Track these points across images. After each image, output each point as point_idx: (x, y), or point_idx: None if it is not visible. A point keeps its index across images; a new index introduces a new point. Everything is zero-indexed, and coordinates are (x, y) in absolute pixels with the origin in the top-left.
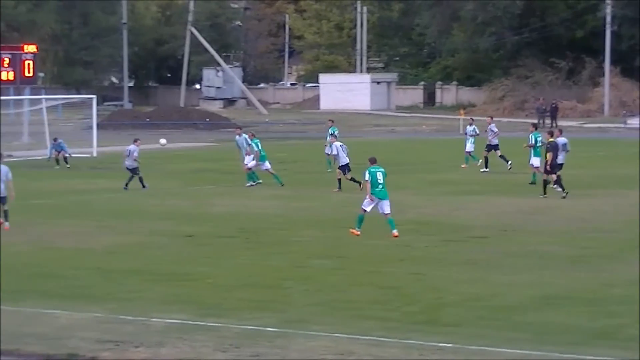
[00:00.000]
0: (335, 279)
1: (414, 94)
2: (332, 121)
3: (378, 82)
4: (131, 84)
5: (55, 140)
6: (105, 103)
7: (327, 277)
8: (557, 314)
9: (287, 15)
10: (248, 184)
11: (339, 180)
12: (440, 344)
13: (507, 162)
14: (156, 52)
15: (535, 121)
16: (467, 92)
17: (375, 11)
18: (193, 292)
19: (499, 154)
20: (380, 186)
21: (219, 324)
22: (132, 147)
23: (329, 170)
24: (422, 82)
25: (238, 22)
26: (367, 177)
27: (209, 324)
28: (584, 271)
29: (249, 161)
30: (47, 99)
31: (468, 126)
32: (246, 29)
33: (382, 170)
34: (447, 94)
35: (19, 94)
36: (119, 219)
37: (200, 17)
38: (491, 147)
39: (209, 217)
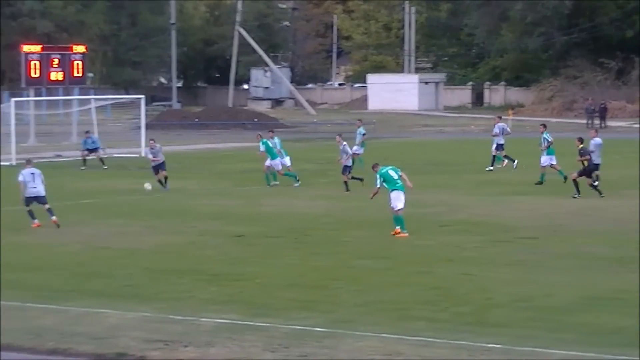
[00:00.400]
0: (383, 279)
1: (462, 94)
2: (361, 120)
3: (426, 83)
4: (180, 84)
5: (87, 133)
6: (154, 103)
7: (376, 278)
8: (606, 315)
9: (335, 16)
10: (271, 184)
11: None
12: (489, 345)
13: (513, 161)
14: (205, 52)
15: (544, 121)
16: (515, 93)
17: (423, 11)
18: (242, 292)
19: (503, 154)
20: (397, 181)
21: (268, 324)
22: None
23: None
24: (471, 83)
25: (286, 23)
26: (378, 183)
27: (258, 323)
28: (632, 272)
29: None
30: (96, 99)
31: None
32: (294, 29)
33: (392, 167)
34: (496, 94)
35: (68, 94)
36: (168, 219)
37: (248, 17)
38: (499, 147)
39: (258, 217)
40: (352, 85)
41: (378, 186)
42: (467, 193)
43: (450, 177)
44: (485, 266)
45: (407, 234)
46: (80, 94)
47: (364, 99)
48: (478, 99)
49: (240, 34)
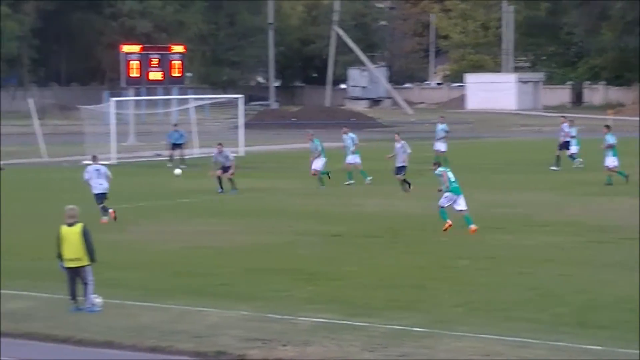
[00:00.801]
0: (482, 279)
1: (562, 94)
2: (443, 117)
3: (525, 82)
4: (277, 84)
5: (175, 125)
6: (252, 103)
7: (475, 278)
8: None
9: (432, 15)
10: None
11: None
12: (589, 347)
13: (575, 160)
14: (302, 52)
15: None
16: (615, 92)
17: (521, 10)
18: (340, 291)
19: (569, 153)
20: (454, 183)
21: (366, 324)
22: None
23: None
24: (570, 82)
25: (383, 22)
26: (444, 175)
27: (356, 323)
28: None
29: (351, 159)
30: (194, 99)
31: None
32: (392, 29)
33: (449, 169)
34: (595, 93)
35: (167, 94)
36: (266, 219)
37: (345, 16)
38: (562, 146)
39: (356, 216)
40: (449, 85)
41: (444, 179)
42: (566, 193)
43: (548, 176)
44: (585, 267)
45: (450, 223)
46: (179, 94)
47: (462, 98)
48: (578, 98)
49: (337, 33)
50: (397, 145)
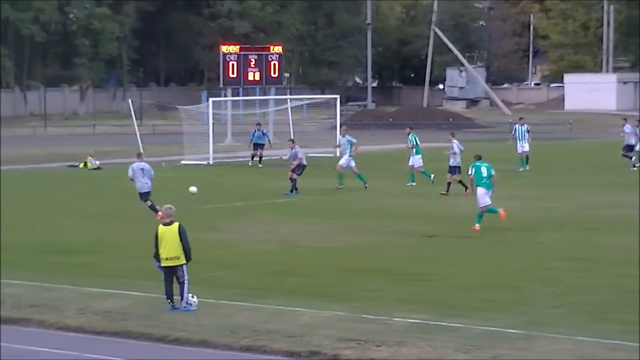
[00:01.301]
0: (580, 281)
1: None
2: (523, 118)
3: (625, 82)
4: (375, 84)
5: (258, 125)
6: (349, 103)
7: (572, 279)
8: None
9: (531, 15)
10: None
11: (449, 183)
12: None
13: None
14: (400, 52)
15: None
16: None
17: (622, 9)
18: (435, 292)
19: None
20: (485, 179)
21: (461, 325)
22: (139, 164)
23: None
24: None
25: (482, 22)
26: (470, 171)
27: (450, 324)
28: None
29: (345, 161)
30: (292, 99)
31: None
32: (490, 29)
33: (487, 165)
34: None
35: (265, 94)
36: (362, 218)
37: (444, 17)
38: (629, 148)
39: (451, 217)
40: (548, 85)
41: (469, 174)
42: None
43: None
44: None
45: (478, 227)
46: (276, 94)
47: (561, 99)
48: None
49: (435, 33)
50: (454, 144)
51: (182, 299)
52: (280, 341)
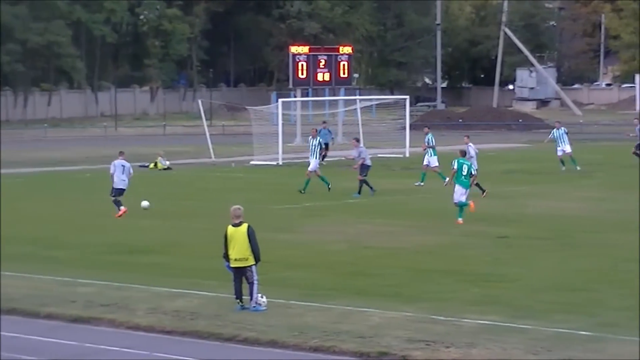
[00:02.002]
0: None
1: None
2: (559, 122)
3: None
4: (444, 85)
5: (324, 122)
6: (418, 104)
7: None
8: None
9: (603, 15)
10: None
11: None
12: None
13: None
14: (470, 52)
15: None
16: None
17: None
18: (506, 293)
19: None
20: (464, 177)
21: (531, 326)
22: (120, 161)
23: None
24: None
25: (552, 22)
26: (455, 165)
27: (520, 326)
28: None
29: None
30: (361, 100)
31: None
32: (561, 29)
33: (468, 163)
34: None
35: (334, 95)
36: (431, 219)
37: (514, 17)
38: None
39: (522, 218)
40: (619, 86)
41: (454, 167)
42: None
43: None
44: None
45: (461, 221)
46: (345, 95)
47: (632, 99)
48: None
49: (505, 34)
50: (470, 147)
51: (251, 299)
52: (349, 342)
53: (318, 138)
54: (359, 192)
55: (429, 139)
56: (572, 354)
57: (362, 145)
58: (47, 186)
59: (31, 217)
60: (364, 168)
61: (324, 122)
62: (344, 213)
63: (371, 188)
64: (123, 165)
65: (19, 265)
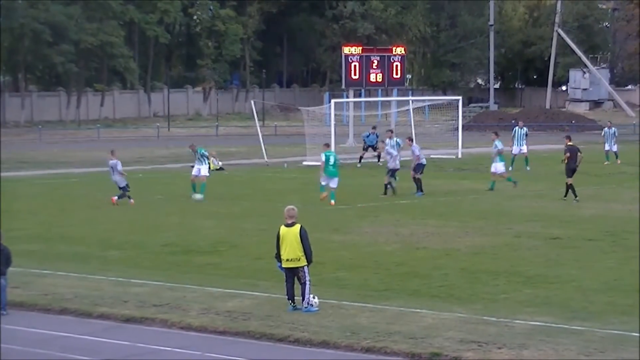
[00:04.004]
0: None
1: None
2: (610, 122)
3: None
4: (497, 86)
5: (374, 128)
6: (471, 105)
7: None
8: None
9: None
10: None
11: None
12: None
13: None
14: (523, 53)
15: None
16: None
17: None
18: (558, 294)
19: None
20: (331, 167)
21: (584, 328)
22: (112, 161)
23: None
24: None
25: (606, 23)
26: (323, 158)
27: (573, 327)
28: None
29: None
30: (414, 101)
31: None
32: (614, 30)
33: (334, 154)
34: None
35: (387, 96)
36: (485, 220)
37: (567, 18)
38: None
39: (576, 219)
40: None
41: (323, 160)
42: None
43: None
44: None
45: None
46: (398, 95)
47: None
48: None
49: (559, 35)
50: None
51: (303, 299)
52: (401, 342)
53: (395, 139)
54: (421, 190)
55: (498, 145)
56: (625, 356)
57: (415, 144)
58: (100, 186)
59: (85, 217)
60: (419, 167)
61: (374, 128)
62: (397, 214)
63: (421, 190)
64: (112, 167)
65: (73, 265)
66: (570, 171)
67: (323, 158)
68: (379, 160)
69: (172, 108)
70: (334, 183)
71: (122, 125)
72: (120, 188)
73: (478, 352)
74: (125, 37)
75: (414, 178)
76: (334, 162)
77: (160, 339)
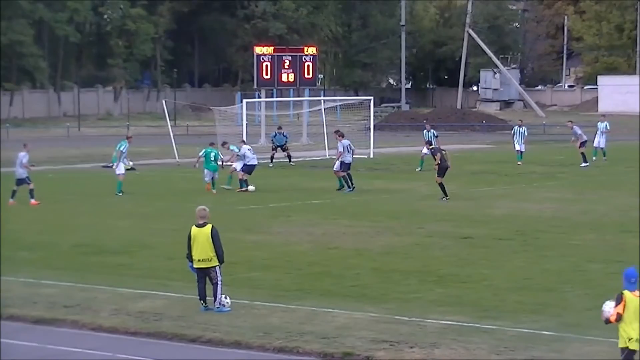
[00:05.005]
0: (614, 283)
1: None
2: (521, 120)
3: None
4: (409, 86)
5: (279, 128)
6: (383, 105)
7: (607, 282)
8: None
9: (566, 17)
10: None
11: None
12: None
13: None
14: (434, 53)
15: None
16: None
17: None
18: (470, 293)
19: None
20: (212, 162)
21: (495, 327)
22: (21, 153)
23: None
24: None
25: (516, 24)
26: (201, 153)
27: (484, 326)
28: None
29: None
30: (325, 101)
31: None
32: (524, 31)
33: (215, 151)
34: None
35: (298, 96)
36: (397, 220)
37: (478, 19)
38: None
39: (487, 219)
40: (582, 87)
41: (200, 154)
42: None
43: None
44: None
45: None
46: (310, 95)
47: (595, 101)
48: None
49: (470, 35)
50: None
51: (215, 299)
52: (313, 342)
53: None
54: (349, 186)
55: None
56: (535, 354)
57: (345, 138)
58: (8, 187)
59: None
60: (344, 165)
61: (280, 128)
62: (310, 213)
63: (349, 186)
64: (22, 157)
65: None
66: (443, 170)
67: (203, 154)
68: (290, 161)
69: (82, 108)
70: (211, 175)
71: (31, 124)
72: (18, 181)
73: (390, 351)
74: (35, 36)
75: (337, 175)
76: (214, 157)
77: (71, 340)
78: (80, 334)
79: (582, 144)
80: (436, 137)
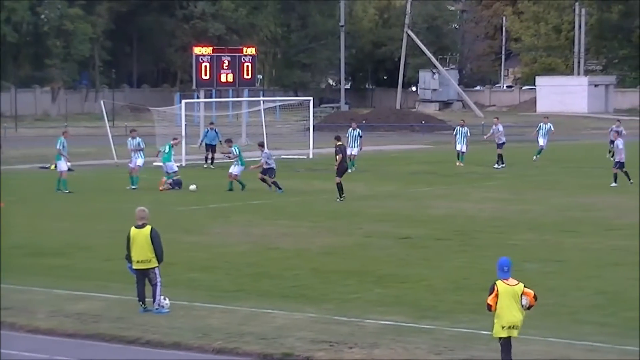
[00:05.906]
0: (552, 283)
1: (634, 97)
2: (463, 121)
3: (596, 85)
4: (348, 86)
5: (211, 124)
6: (322, 105)
7: (544, 281)
8: None
9: (504, 18)
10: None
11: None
12: None
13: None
14: (373, 54)
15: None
16: None
17: (594, 13)
18: (409, 293)
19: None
20: (167, 155)
21: (434, 326)
22: None
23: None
24: None
25: (455, 25)
26: (165, 149)
27: (423, 326)
28: None
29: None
30: (265, 101)
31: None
32: (463, 32)
33: (169, 145)
34: None
35: (238, 96)
36: (336, 220)
37: (417, 19)
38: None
39: (426, 219)
40: (520, 88)
41: (160, 150)
42: (634, 198)
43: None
44: None
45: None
46: (249, 96)
47: (533, 101)
48: None
49: (409, 36)
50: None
51: (154, 301)
52: (253, 343)
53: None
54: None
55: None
56: (474, 354)
57: (266, 149)
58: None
59: None
60: (268, 171)
61: (211, 124)
62: (249, 214)
63: (279, 188)
64: None
65: None
66: (341, 171)
67: (167, 149)
68: (211, 163)
69: (19, 108)
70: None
71: None
72: None
73: (329, 351)
74: None
75: (264, 181)
76: (169, 151)
77: (7, 342)
78: (17, 336)
79: (500, 145)
80: (360, 137)
